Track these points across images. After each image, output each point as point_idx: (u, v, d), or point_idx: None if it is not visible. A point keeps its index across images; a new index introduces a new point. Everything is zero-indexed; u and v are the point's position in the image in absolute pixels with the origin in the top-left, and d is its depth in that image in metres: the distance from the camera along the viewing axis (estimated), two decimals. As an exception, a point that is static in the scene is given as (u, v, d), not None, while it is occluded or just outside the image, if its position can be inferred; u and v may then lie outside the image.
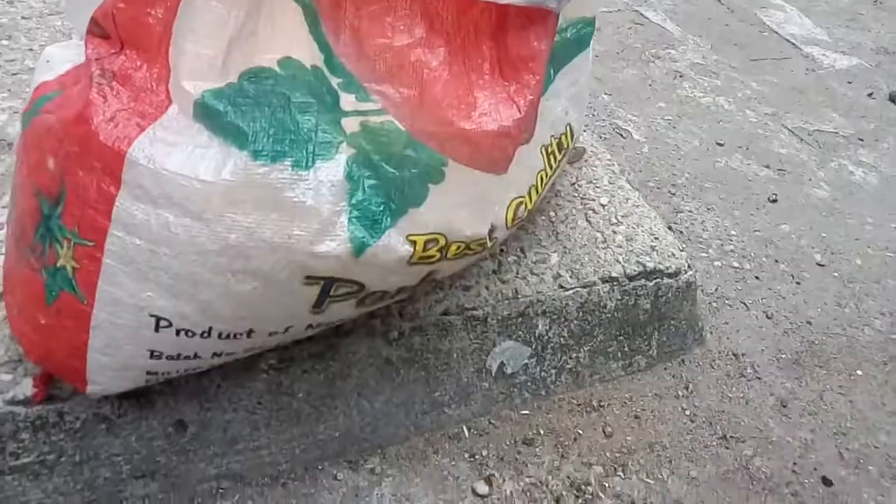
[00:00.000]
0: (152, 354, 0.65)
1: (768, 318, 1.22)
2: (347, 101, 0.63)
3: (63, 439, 0.76)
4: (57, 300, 0.65)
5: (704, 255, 1.33)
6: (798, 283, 1.31)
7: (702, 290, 1.24)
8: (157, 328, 0.62)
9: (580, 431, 0.97)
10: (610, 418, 1.00)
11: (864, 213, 1.52)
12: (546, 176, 0.83)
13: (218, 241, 0.59)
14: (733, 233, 1.40)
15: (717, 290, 1.25)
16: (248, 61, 0.62)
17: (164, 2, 0.61)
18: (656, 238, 1.07)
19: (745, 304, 1.24)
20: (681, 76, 1.92)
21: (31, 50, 1.22)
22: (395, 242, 0.64)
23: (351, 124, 0.63)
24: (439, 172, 0.65)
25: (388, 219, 0.63)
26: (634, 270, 1.01)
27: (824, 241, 1.42)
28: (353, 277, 0.64)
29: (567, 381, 1.01)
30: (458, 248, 0.70)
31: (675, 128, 1.70)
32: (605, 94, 1.78)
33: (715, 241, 1.37)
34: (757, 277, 1.30)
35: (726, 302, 1.23)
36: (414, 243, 0.65)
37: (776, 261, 1.35)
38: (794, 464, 0.98)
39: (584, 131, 1.30)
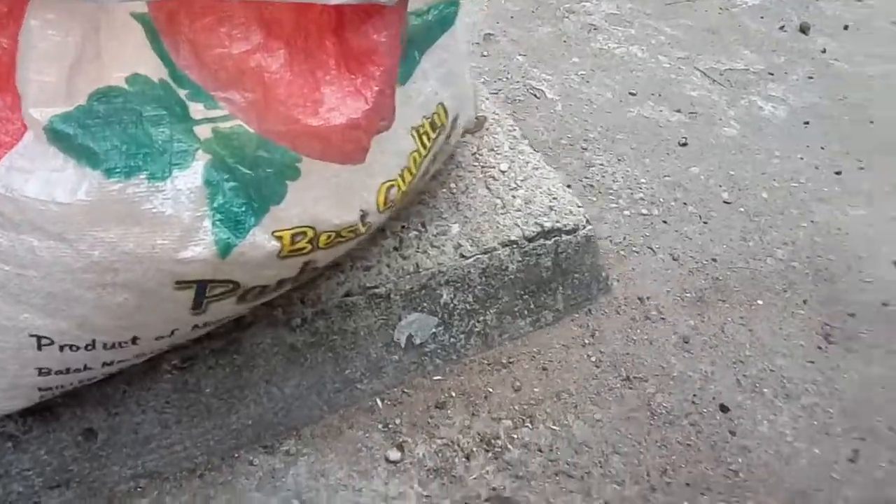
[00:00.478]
0: (40, 372, 0.69)
1: (674, 259, 1.28)
2: (196, 109, 0.66)
3: (-27, 460, 0.79)
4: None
5: (615, 205, 1.38)
6: (705, 222, 1.36)
7: (610, 241, 1.30)
8: (39, 347, 0.66)
9: (490, 389, 1.03)
10: (519, 373, 1.05)
11: (771, 147, 1.58)
12: (420, 156, 0.87)
13: (83, 259, 0.62)
14: (643, 180, 1.45)
15: (625, 238, 1.31)
16: (95, 82, 0.64)
17: (5, 31, 0.64)
18: (554, 198, 1.12)
19: (652, 249, 1.29)
20: (595, 29, 1.95)
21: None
22: (260, 240, 0.67)
23: (203, 132, 0.66)
24: (294, 169, 0.69)
25: (252, 218, 0.67)
26: (533, 232, 1.06)
27: (732, 178, 1.48)
28: (225, 277, 0.68)
29: (476, 343, 1.06)
30: (329, 237, 0.74)
31: (588, 82, 1.74)
32: (520, 55, 1.81)
33: (625, 190, 1.42)
34: (665, 222, 1.36)
35: (634, 249, 1.29)
36: (281, 238, 0.69)
37: (684, 203, 1.40)
38: (694, 395, 1.05)
39: (487, 99, 1.34)
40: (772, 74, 1.83)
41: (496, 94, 1.64)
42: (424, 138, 0.87)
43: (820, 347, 1.13)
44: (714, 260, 1.28)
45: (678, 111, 1.66)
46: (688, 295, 1.21)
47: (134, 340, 0.70)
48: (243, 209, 0.66)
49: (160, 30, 0.66)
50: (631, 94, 1.71)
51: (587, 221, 1.12)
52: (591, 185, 1.43)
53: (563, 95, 1.68)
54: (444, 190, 1.10)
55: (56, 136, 0.62)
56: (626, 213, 1.37)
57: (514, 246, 1.05)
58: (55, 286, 0.63)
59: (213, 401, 0.88)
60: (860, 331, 1.16)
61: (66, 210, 0.61)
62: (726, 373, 1.08)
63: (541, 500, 0.91)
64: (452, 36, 0.90)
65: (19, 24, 0.62)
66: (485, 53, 1.79)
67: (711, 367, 1.09)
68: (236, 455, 0.91)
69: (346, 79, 0.71)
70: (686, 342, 1.12)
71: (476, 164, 1.16)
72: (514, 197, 1.10)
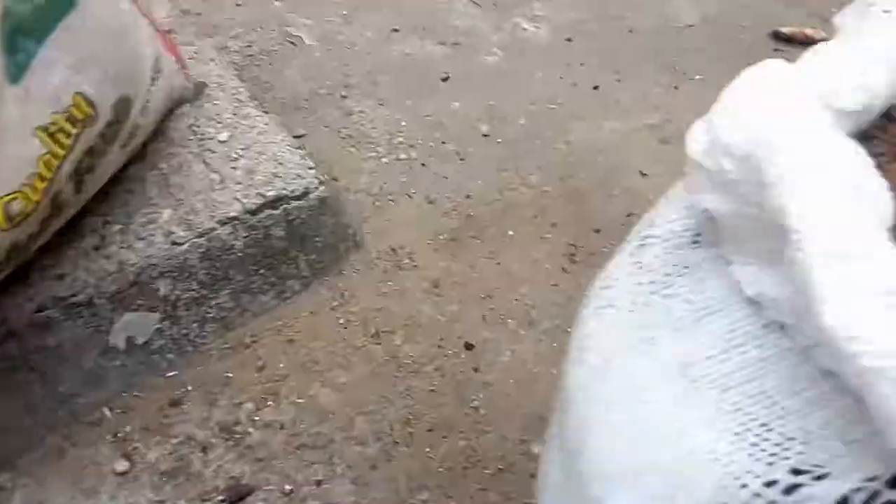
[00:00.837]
0: None
1: (430, 203, 1.27)
2: None
3: None
4: None
5: (373, 154, 1.36)
6: (462, 159, 1.36)
7: (367, 192, 1.27)
8: None
9: (230, 374, 1.00)
10: (262, 351, 1.03)
11: (533, 69, 1.58)
12: (59, 157, 0.79)
13: None
14: (404, 123, 1.42)
15: (382, 187, 1.29)
16: None
17: None
18: (280, 163, 1.07)
19: (409, 195, 1.28)
20: (359, -37, 1.87)
21: None
22: None
23: None
24: None
25: None
26: (255, 204, 1.02)
27: (492, 109, 1.47)
28: None
29: (214, 328, 1.03)
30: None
31: (350, 23, 1.67)
32: (276, 1, 1.71)
33: (385, 136, 1.39)
34: (423, 164, 1.34)
35: (390, 198, 1.27)
36: None
37: (443, 142, 1.39)
38: (441, 339, 1.06)
39: (213, 60, 1.26)
40: (537, -8, 1.82)
41: (248, 46, 1.56)
42: (61, 136, 0.79)
43: (564, 269, 1.17)
44: (469, 197, 1.28)
45: (442, 44, 1.64)
46: (441, 237, 1.21)
47: None
48: None
49: None
50: (394, 30, 1.66)
51: (320, 183, 1.09)
52: (351, 136, 1.39)
53: (323, 40, 1.61)
54: (154, 172, 1.03)
55: None
56: (385, 160, 1.35)
57: (236, 222, 1.00)
58: None
59: None
60: (602, 246, 1.20)
61: None
62: (473, 310, 1.10)
63: (281, 479, 0.90)
64: (84, 13, 0.82)
65: None
66: (238, 3, 1.69)
67: (459, 306, 1.10)
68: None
69: None
70: (436, 286, 1.13)
71: (192, 137, 1.09)
72: (234, 169, 1.05)
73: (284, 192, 1.04)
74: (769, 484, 0.31)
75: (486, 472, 0.92)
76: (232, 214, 1.00)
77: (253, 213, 1.02)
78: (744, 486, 0.32)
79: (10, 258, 0.78)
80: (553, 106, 1.49)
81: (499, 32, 1.68)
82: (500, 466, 0.92)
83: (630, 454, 0.38)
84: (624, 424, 0.39)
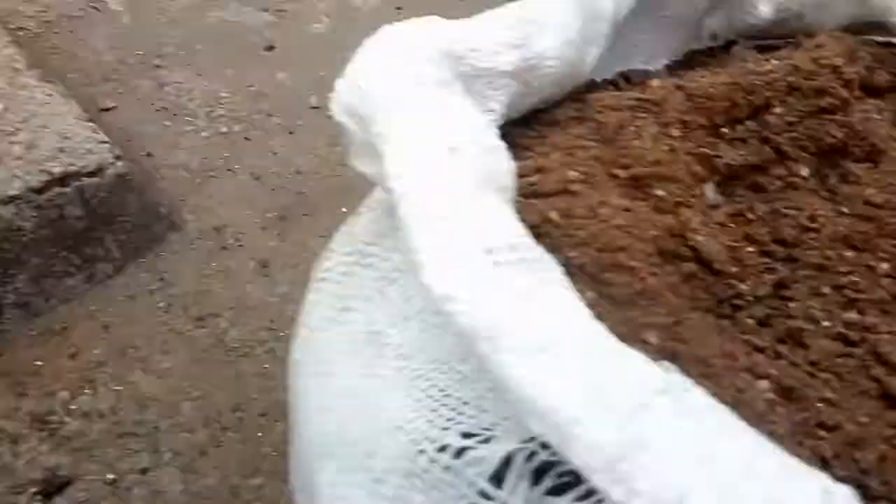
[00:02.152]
0: None
1: (256, 179, 1.26)
2: None
3: None
4: None
5: (191, 127, 1.32)
6: (291, 133, 1.36)
7: (184, 169, 1.24)
8: None
9: (40, 363, 0.95)
10: (76, 338, 0.99)
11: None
12: None
13: None
14: (224, 94, 1.39)
15: (202, 163, 1.26)
16: None
17: None
18: (66, 137, 1.02)
19: (232, 171, 1.26)
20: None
21: None
22: None
23: None
24: None
25: None
26: (40, 181, 0.96)
27: (322, 80, 1.47)
28: None
29: (17, 315, 0.97)
30: None
31: (162, -14, 1.60)
32: (76, -41, 1.60)
33: (204, 108, 1.36)
34: (247, 138, 1.33)
35: (211, 174, 1.25)
36: None
37: (269, 115, 1.38)
38: (272, 321, 1.06)
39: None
40: (366, -39, 1.84)
41: (44, 11, 1.45)
42: None
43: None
44: (299, 172, 1.29)
45: (264, 10, 1.61)
46: (269, 215, 1.21)
47: None
48: None
49: None
50: (210, -5, 1.61)
51: (116, 157, 1.04)
52: (166, 108, 1.35)
53: (131, 6, 1.53)
54: (-66, 148, 0.95)
55: None
56: (205, 133, 1.32)
57: (20, 201, 0.95)
58: None
59: None
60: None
61: None
62: (300, 290, 1.11)
63: (103, 468, 0.88)
64: None
65: None
66: (31, -40, 1.56)
67: (290, 287, 1.11)
68: None
69: None
70: (265, 266, 1.13)
71: (-30, 110, 1.01)
72: (11, 144, 0.99)
73: (73, 168, 1.00)
74: (442, 448, 0.32)
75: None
76: (12, 193, 0.94)
77: (38, 191, 0.96)
78: (421, 451, 0.32)
79: None
80: (383, 80, 1.52)
81: (326, 1, 1.68)
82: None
83: (331, 426, 0.37)
84: (324, 397, 0.39)
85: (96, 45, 1.42)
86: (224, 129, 1.33)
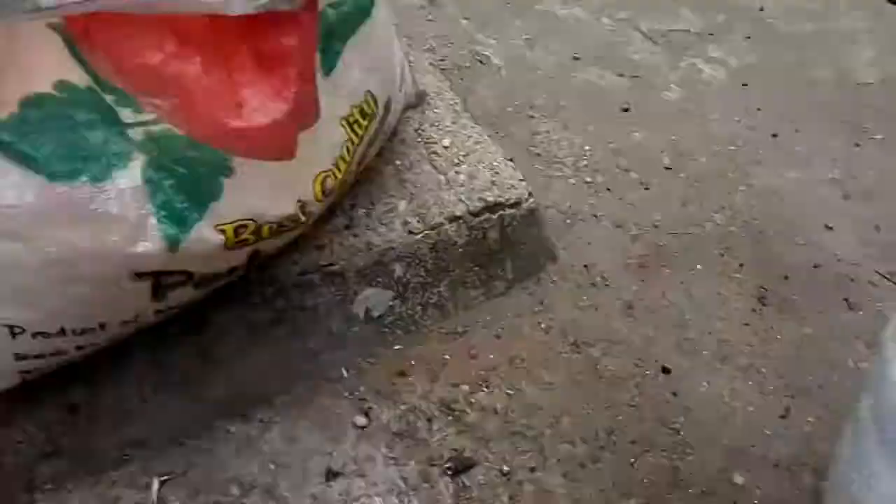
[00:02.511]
0: (17, 357, 0.73)
1: (618, 226, 1.36)
2: (125, 114, 0.70)
3: (-36, 439, 0.84)
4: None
5: (560, 174, 1.46)
6: (647, 188, 1.45)
7: (556, 210, 1.37)
8: (13, 335, 0.70)
9: (448, 357, 1.10)
10: (474, 341, 1.13)
11: (711, 110, 1.67)
12: (354, 145, 0.92)
13: (41, 256, 0.66)
14: (587, 147, 1.52)
15: (570, 206, 1.39)
16: (23, 89, 0.67)
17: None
18: (497, 172, 1.18)
19: (596, 216, 1.38)
20: (538, -10, 2.00)
21: None
22: (206, 234, 0.72)
23: (136, 134, 0.70)
24: (227, 167, 0.74)
25: (194, 214, 0.72)
26: (477, 207, 1.13)
27: (673, 143, 1.56)
28: (178, 268, 0.73)
29: (433, 314, 1.13)
30: (271, 228, 0.79)
31: (532, 47, 1.79)
32: (464, 19, 1.84)
33: (570, 158, 1.49)
34: (608, 189, 1.44)
35: (579, 217, 1.37)
36: (224, 231, 0.74)
37: (626, 170, 1.49)
38: (638, 359, 1.14)
39: (428, 72, 1.38)
40: (711, 35, 1.91)
41: (443, 60, 1.69)
42: (356, 127, 0.92)
43: (755, 310, 1.24)
44: (655, 226, 1.37)
45: (621, 75, 1.74)
46: (631, 261, 1.30)
47: (101, 326, 0.75)
48: (185, 205, 0.71)
49: (77, 40, 0.69)
50: (575, 58, 1.77)
51: (529, 195, 1.19)
52: (538, 154, 1.50)
53: (509, 60, 1.73)
54: (390, 167, 1.15)
55: (-5, 144, 0.65)
56: (572, 181, 1.45)
57: (461, 221, 1.11)
58: (19, 281, 0.67)
59: (186, 375, 0.94)
60: (793, 293, 1.27)
61: (18, 213, 0.65)
62: (668, 336, 1.18)
63: (498, 460, 1.00)
64: (374, 23, 0.94)
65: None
66: (430, 18, 1.83)
67: (654, 330, 1.18)
68: (215, 424, 0.97)
69: (265, 81, 0.76)
70: (630, 308, 1.22)
71: (419, 139, 1.21)
72: (457, 173, 1.16)
73: (501, 199, 1.15)
74: None
75: (690, 492, 0.99)
76: (458, 213, 1.11)
77: (475, 214, 1.12)
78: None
79: (312, 225, 0.89)
80: (733, 148, 1.57)
81: (675, 70, 1.78)
82: (704, 490, 1.00)
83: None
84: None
85: (482, 91, 1.62)
86: (588, 179, 1.45)
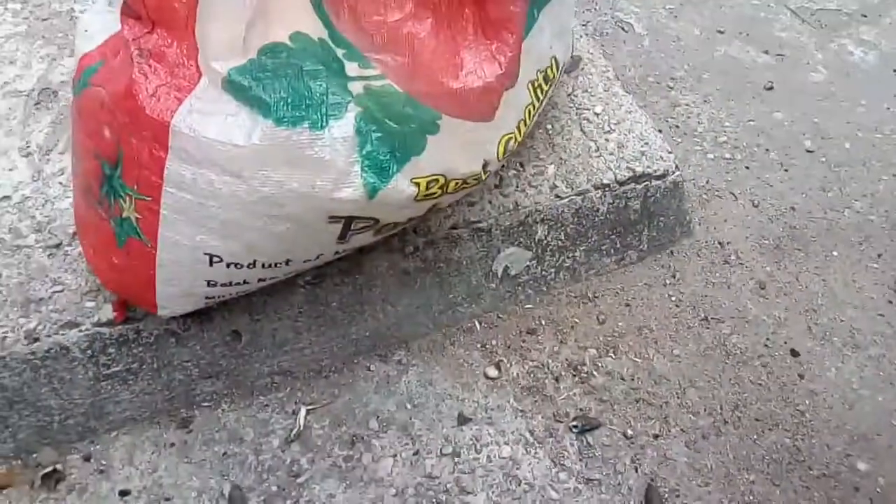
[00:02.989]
0: (209, 283, 0.81)
1: (755, 206, 1.34)
2: (351, 68, 0.75)
3: (142, 351, 0.94)
4: (126, 244, 0.81)
5: (699, 148, 1.44)
6: (786, 170, 1.42)
7: (693, 184, 1.37)
8: (210, 263, 0.78)
9: (577, 320, 1.13)
10: (603, 307, 1.16)
11: (858, 95, 1.60)
12: (534, 108, 0.94)
13: (254, 194, 0.73)
14: (727, 124, 1.50)
15: (708, 182, 1.38)
16: (263, 38, 0.73)
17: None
18: (646, 143, 1.19)
19: (733, 194, 1.36)
20: (685, -42, 1.94)
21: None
22: (402, 185, 0.77)
23: (356, 88, 0.75)
24: (435, 125, 0.78)
25: (395, 166, 0.76)
26: (625, 176, 1.14)
27: (816, 126, 1.52)
28: (369, 215, 0.78)
29: (565, 277, 1.16)
30: (457, 184, 0.83)
31: (676, 17, 1.76)
32: (607, -16, 1.82)
33: (709, 133, 1.47)
34: (747, 167, 1.42)
35: (716, 193, 1.36)
36: (418, 185, 0.78)
37: (767, 150, 1.46)
38: (767, 339, 1.14)
39: (581, 37, 1.38)
40: (865, 16, 1.82)
41: (585, 25, 1.68)
42: (538, 91, 0.94)
43: (891, 301, 1.21)
44: (793, 208, 1.35)
45: (766, 52, 1.69)
46: (766, 242, 1.28)
47: (287, 262, 0.81)
48: (388, 158, 0.76)
49: (326, -4, 0.74)
50: (719, 31, 1.73)
51: (676, 167, 1.19)
52: (677, 126, 1.49)
53: (651, 30, 1.71)
54: (541, 131, 1.18)
55: (232, 86, 0.72)
56: (710, 156, 1.43)
57: (607, 189, 1.13)
58: (229, 215, 0.74)
59: (337, 313, 1.01)
60: (933, 288, 1.23)
61: (241, 151, 0.71)
62: (798, 319, 1.17)
63: (622, 423, 1.03)
64: None
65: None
66: (571, -19, 1.81)
67: (785, 313, 1.18)
68: (356, 361, 1.04)
69: (483, 45, 0.79)
70: (762, 288, 1.21)
71: (571, 105, 1.23)
72: (607, 140, 1.17)
73: (649, 170, 1.15)
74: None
75: (811, 472, 1.00)
76: (605, 181, 1.13)
77: (621, 183, 1.14)
78: None
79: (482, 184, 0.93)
80: (879, 136, 1.51)
81: (823, 51, 1.71)
82: (825, 472, 1.00)
83: None
84: None
85: (622, 59, 1.61)
86: (727, 156, 1.43)
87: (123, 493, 0.91)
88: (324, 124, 0.73)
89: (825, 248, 1.29)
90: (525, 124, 0.93)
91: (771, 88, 1.59)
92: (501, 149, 0.88)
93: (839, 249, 1.29)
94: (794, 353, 1.12)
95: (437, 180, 0.80)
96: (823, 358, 1.12)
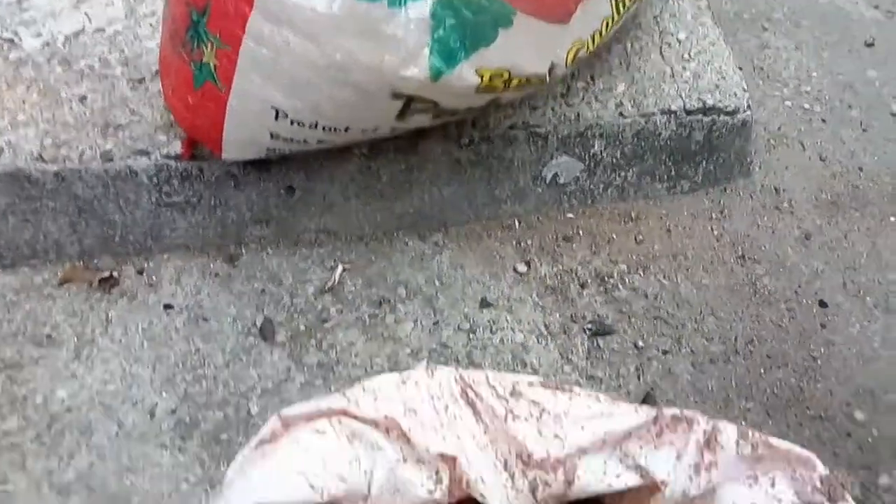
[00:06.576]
0: (272, 136, 0.85)
1: (821, 159, 1.28)
2: None
3: (202, 188, 1.00)
4: (202, 87, 0.85)
5: (778, 93, 1.37)
6: (865, 130, 1.33)
7: (764, 128, 1.30)
8: (276, 118, 0.81)
9: (614, 236, 1.13)
10: (644, 229, 1.14)
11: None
12: (612, 21, 0.91)
13: (326, 59, 0.74)
14: (815, 74, 1.40)
15: (779, 128, 1.31)
16: None
17: None
18: (723, 77, 1.13)
19: (802, 144, 1.29)
20: None
21: None
22: (466, 73, 0.77)
23: None
24: (509, 20, 0.77)
25: (463, 53, 0.76)
26: (694, 106, 1.10)
27: (909, 90, 1.40)
28: (430, 97, 0.79)
29: (612, 195, 1.15)
30: (520, 81, 0.82)
31: (789, -44, 1.62)
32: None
33: (793, 80, 1.39)
34: (823, 120, 1.34)
35: (785, 141, 1.29)
36: (482, 76, 0.78)
37: (850, 106, 1.36)
38: (799, 286, 1.11)
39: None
40: None
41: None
42: (620, 5, 0.91)
43: (937, 274, 1.15)
44: (860, 168, 1.27)
45: (875, 7, 1.55)
46: (823, 196, 1.23)
47: (346, 129, 0.84)
48: (457, 45, 0.76)
49: None
50: (831, -22, 1.59)
51: (748, 106, 1.14)
52: (762, 68, 1.41)
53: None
54: (619, 47, 1.14)
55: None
56: (788, 103, 1.35)
57: (672, 115, 1.09)
58: (300, 74, 0.77)
59: (386, 188, 1.04)
60: (985, 269, 1.15)
61: (320, 17, 0.73)
62: (836, 274, 1.13)
63: (635, 334, 1.04)
64: None
65: None
66: None
67: (824, 265, 1.13)
68: (396, 235, 1.08)
69: None
70: (807, 238, 1.17)
71: (655, 28, 1.17)
72: (684, 68, 1.13)
73: (720, 104, 1.11)
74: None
75: (808, 413, 0.99)
76: (673, 108, 1.09)
77: (689, 112, 1.10)
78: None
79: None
80: (974, 111, 1.39)
81: (940, 14, 1.55)
82: (821, 414, 0.99)
83: None
84: None
85: (721, -5, 1.52)
86: (806, 105, 1.35)
87: (167, 307, 1.00)
88: (402, 3, 0.73)
89: (882, 212, 1.22)
90: (600, 35, 0.90)
91: (871, 45, 1.47)
92: (571, 55, 0.86)
93: (897, 215, 1.22)
94: (823, 304, 1.09)
95: (501, 74, 0.79)
96: (851, 313, 1.09)
